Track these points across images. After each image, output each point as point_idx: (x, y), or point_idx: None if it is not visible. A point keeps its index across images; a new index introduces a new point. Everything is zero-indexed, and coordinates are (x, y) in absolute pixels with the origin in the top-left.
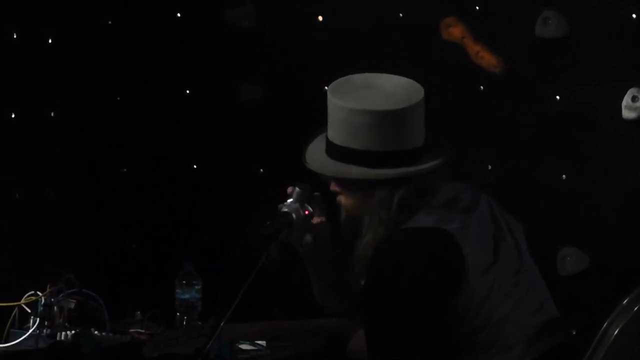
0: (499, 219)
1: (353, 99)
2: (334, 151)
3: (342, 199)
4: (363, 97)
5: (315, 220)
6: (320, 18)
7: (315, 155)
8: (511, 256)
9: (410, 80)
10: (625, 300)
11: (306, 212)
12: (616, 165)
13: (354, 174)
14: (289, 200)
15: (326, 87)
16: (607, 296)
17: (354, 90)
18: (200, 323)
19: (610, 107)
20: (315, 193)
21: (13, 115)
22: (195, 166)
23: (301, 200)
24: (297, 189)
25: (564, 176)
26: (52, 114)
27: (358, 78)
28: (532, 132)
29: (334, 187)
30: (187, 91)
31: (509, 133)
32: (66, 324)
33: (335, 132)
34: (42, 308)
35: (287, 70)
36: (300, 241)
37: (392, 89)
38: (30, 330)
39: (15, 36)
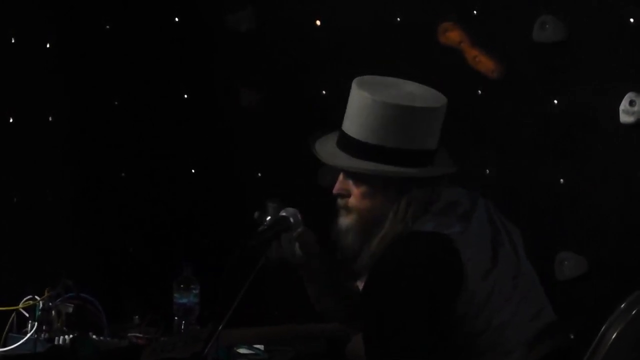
0: (497, 223)
1: (379, 92)
2: (351, 145)
3: (353, 200)
4: (389, 92)
5: (297, 231)
6: (318, 22)
7: (330, 151)
8: (510, 260)
9: (435, 91)
10: (623, 304)
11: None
12: (615, 168)
13: (371, 169)
14: (268, 219)
15: (324, 92)
16: (606, 299)
17: (381, 86)
18: (198, 327)
19: (608, 109)
20: (289, 208)
21: (11, 119)
22: (193, 170)
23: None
24: (270, 204)
25: (561, 180)
26: (51, 118)
27: (385, 78)
28: (531, 135)
29: (342, 185)
30: (186, 94)
31: (508, 135)
32: (64, 328)
33: (354, 125)
34: (40, 312)
35: (287, 73)
36: (291, 253)
37: (417, 91)
38: (28, 335)
39: (13, 40)
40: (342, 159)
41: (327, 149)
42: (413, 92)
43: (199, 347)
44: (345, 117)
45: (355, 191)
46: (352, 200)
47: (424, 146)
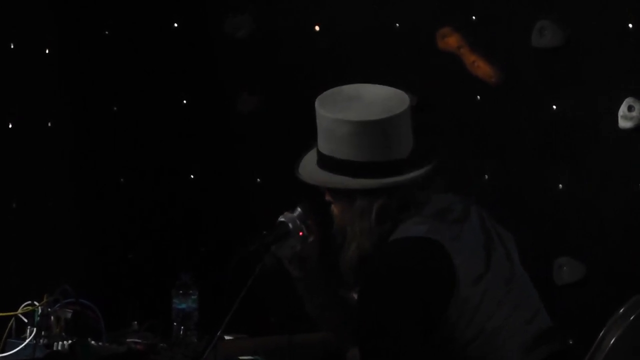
0: (490, 229)
1: (336, 110)
2: (322, 160)
3: (333, 208)
4: (346, 107)
5: (310, 238)
6: (317, 28)
7: (307, 165)
8: (502, 266)
9: (398, 91)
10: (622, 309)
11: (300, 233)
12: (614, 173)
13: (336, 183)
14: (292, 213)
15: None
16: (604, 304)
17: (339, 101)
18: (196, 340)
19: (607, 114)
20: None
21: (11, 125)
22: (192, 175)
23: (301, 218)
24: (299, 206)
25: (560, 185)
26: (50, 123)
27: (347, 89)
28: (529, 140)
29: (327, 196)
30: (185, 100)
31: (506, 141)
32: (63, 333)
33: (322, 141)
34: (38, 318)
35: (286, 78)
36: (288, 259)
37: (375, 100)
38: (27, 340)
39: (13, 45)
40: (315, 175)
41: (307, 165)
42: (371, 102)
43: None
44: (317, 134)
45: (333, 204)
46: (334, 210)
47: (391, 156)
